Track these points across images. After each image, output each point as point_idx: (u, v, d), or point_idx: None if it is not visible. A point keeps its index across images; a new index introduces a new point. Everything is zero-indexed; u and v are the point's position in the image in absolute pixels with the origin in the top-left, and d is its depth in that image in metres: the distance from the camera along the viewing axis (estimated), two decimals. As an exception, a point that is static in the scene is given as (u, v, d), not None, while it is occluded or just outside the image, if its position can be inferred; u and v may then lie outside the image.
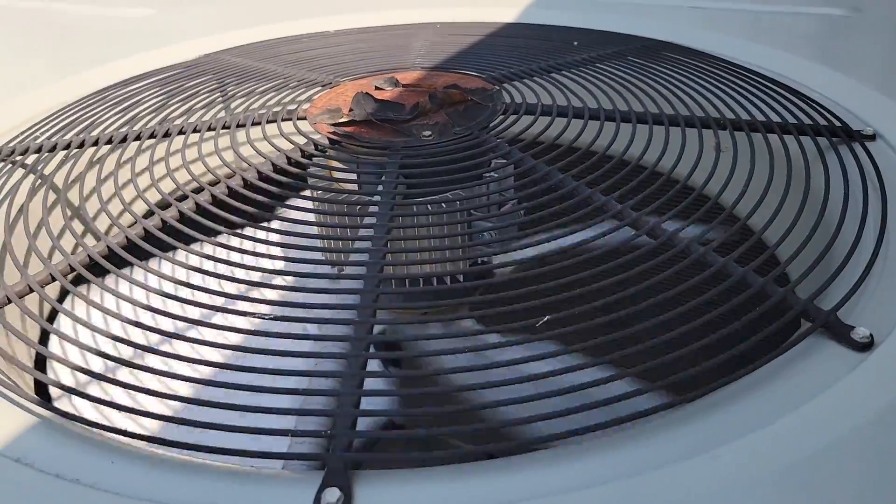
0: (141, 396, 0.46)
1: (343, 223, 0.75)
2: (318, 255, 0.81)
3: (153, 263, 0.62)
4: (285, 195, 0.68)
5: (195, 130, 0.80)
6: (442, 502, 0.38)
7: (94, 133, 0.81)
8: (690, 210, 0.60)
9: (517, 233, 0.63)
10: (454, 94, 0.80)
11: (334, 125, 0.76)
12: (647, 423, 0.42)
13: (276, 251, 0.60)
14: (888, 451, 0.39)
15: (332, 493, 0.38)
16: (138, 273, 0.70)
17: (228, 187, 0.68)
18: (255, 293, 0.64)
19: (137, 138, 0.80)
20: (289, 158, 0.72)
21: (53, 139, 0.81)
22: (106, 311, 0.53)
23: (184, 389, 0.49)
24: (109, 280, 0.65)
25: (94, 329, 0.52)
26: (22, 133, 0.84)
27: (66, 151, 0.78)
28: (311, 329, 0.51)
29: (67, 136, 0.81)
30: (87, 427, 0.45)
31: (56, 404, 0.47)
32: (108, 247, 0.60)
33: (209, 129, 0.80)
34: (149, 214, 0.64)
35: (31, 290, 0.57)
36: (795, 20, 1.24)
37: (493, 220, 0.76)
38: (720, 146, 0.69)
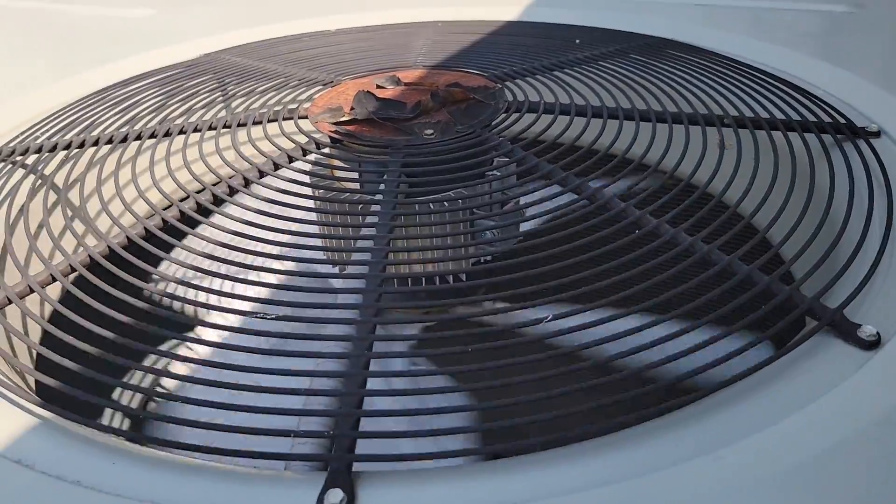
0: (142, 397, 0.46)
1: (345, 222, 0.75)
2: (320, 255, 0.81)
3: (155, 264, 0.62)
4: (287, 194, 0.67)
5: (196, 130, 0.80)
6: (445, 503, 0.38)
7: (95, 133, 0.81)
8: (694, 208, 0.60)
9: (519, 232, 0.63)
10: (456, 93, 0.80)
11: (336, 124, 0.75)
12: (650, 424, 0.42)
13: (279, 250, 0.60)
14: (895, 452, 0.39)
15: (335, 495, 0.38)
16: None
17: (230, 187, 0.68)
18: (257, 292, 0.64)
19: (138, 138, 0.79)
20: (290, 157, 0.72)
21: (54, 139, 0.81)
22: (108, 308, 0.53)
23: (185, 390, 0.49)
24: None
25: (96, 327, 0.52)
26: (22, 133, 0.84)
27: (66, 151, 0.78)
28: (314, 328, 0.51)
29: (68, 137, 0.81)
30: (88, 428, 0.45)
31: (56, 406, 0.46)
32: (108, 247, 0.60)
33: (210, 128, 0.80)
34: (150, 214, 0.64)
35: (32, 291, 0.57)
36: (798, 17, 1.23)
37: (496, 218, 0.76)
38: (724, 144, 0.69)
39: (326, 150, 0.74)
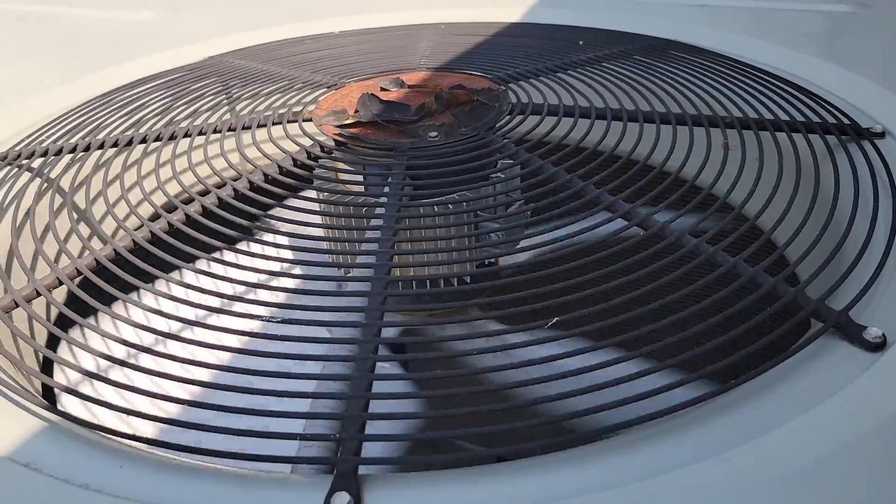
0: (149, 400, 0.46)
1: (350, 225, 0.75)
2: (325, 258, 0.81)
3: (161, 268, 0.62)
4: (291, 195, 0.68)
5: (201, 133, 0.80)
6: (452, 506, 0.38)
7: (100, 136, 0.81)
8: (698, 209, 0.60)
9: (524, 233, 0.63)
10: (460, 95, 0.80)
11: (340, 126, 0.76)
12: (653, 426, 0.42)
13: (284, 254, 0.60)
14: (902, 454, 0.39)
15: (342, 498, 0.38)
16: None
17: (234, 189, 0.68)
18: (263, 296, 0.64)
19: (143, 141, 0.80)
20: (294, 160, 0.72)
21: (59, 143, 0.81)
22: (114, 315, 0.53)
23: (191, 393, 0.49)
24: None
25: (102, 333, 0.52)
26: (28, 137, 0.85)
27: (72, 155, 0.78)
28: (319, 332, 0.51)
29: (73, 140, 0.81)
30: (95, 431, 0.45)
31: (63, 408, 0.46)
32: (114, 250, 0.60)
33: (215, 131, 0.80)
34: (155, 217, 0.64)
35: (39, 294, 0.57)
36: (802, 17, 1.23)
37: (501, 220, 0.76)
38: (728, 145, 0.69)
39: (331, 153, 0.74)
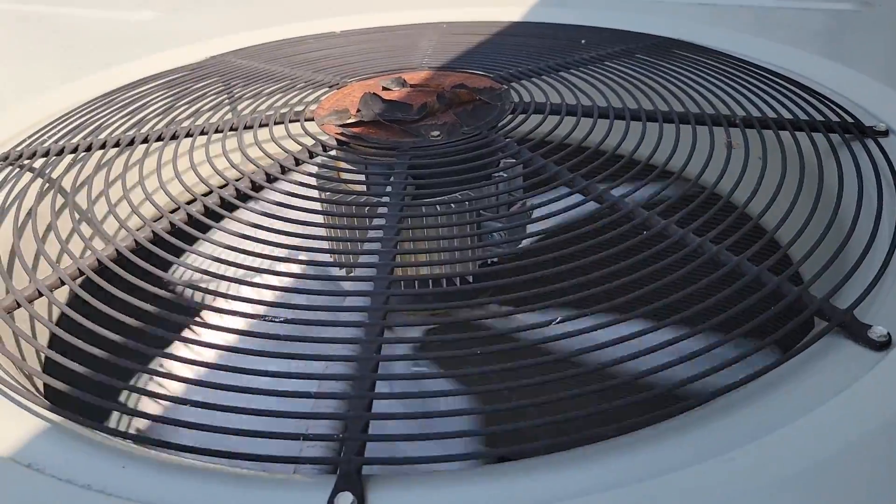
0: (151, 401, 0.46)
1: (352, 224, 0.75)
2: (327, 257, 0.81)
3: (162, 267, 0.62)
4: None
5: (202, 133, 0.80)
6: (455, 506, 0.38)
7: (102, 136, 0.81)
8: (702, 209, 0.59)
9: (526, 232, 0.62)
10: (462, 94, 0.80)
11: (342, 126, 0.75)
12: (656, 427, 0.42)
13: (285, 253, 0.60)
14: (908, 453, 0.39)
15: (345, 498, 0.38)
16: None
17: (237, 190, 0.68)
18: (265, 295, 0.64)
19: (145, 141, 0.80)
20: (297, 160, 0.72)
21: (61, 143, 0.81)
22: (117, 312, 0.53)
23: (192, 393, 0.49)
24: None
25: (105, 330, 0.52)
26: (29, 137, 0.84)
27: (73, 155, 0.78)
28: (322, 332, 0.51)
29: (75, 140, 0.81)
30: (97, 431, 0.45)
31: (66, 409, 0.46)
32: (116, 250, 0.60)
33: (216, 131, 0.80)
34: (157, 217, 0.64)
35: (41, 294, 0.57)
36: (805, 16, 1.23)
37: (503, 220, 0.76)
38: (731, 144, 0.69)
39: (333, 153, 0.74)
